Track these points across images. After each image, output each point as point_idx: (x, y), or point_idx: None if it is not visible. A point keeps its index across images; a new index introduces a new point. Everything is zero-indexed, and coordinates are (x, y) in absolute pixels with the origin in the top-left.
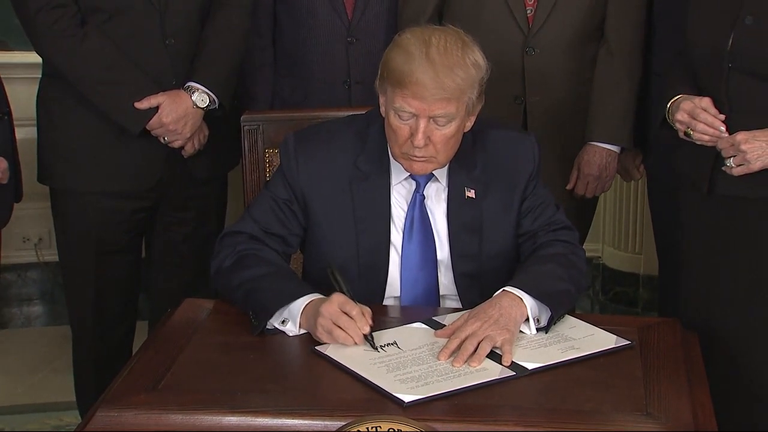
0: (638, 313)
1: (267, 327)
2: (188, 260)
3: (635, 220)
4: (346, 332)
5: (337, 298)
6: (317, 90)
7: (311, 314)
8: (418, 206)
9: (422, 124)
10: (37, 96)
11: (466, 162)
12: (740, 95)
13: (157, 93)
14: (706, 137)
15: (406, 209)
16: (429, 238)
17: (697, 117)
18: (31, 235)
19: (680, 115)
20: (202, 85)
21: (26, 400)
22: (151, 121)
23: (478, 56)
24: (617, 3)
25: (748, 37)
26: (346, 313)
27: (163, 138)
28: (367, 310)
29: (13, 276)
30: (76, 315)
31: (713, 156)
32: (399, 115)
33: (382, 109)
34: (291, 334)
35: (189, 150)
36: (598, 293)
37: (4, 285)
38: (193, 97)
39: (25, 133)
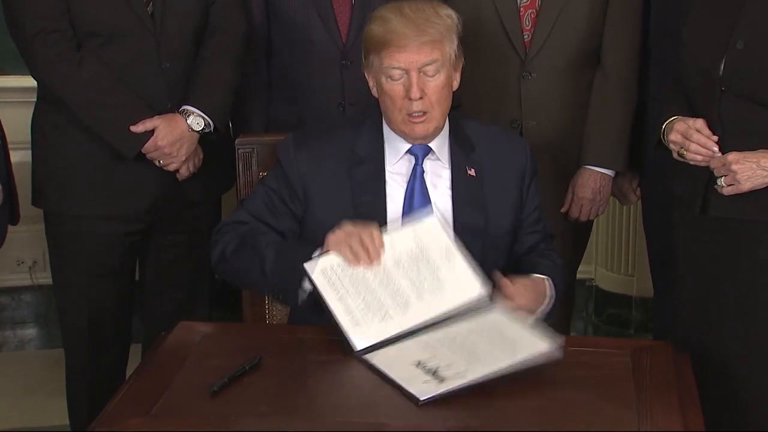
0: (631, 334)
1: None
2: (182, 282)
3: (628, 242)
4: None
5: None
6: (312, 112)
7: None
8: (418, 178)
9: (414, 77)
10: (32, 119)
11: (465, 144)
12: (732, 118)
13: (153, 116)
14: (699, 157)
15: (405, 186)
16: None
17: (691, 137)
18: (26, 258)
19: (674, 136)
20: (197, 108)
21: (20, 424)
22: (146, 145)
23: (450, 11)
24: (613, 28)
25: (739, 61)
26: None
27: (158, 161)
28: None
29: (7, 299)
30: (69, 338)
31: (706, 177)
32: (390, 76)
33: (374, 90)
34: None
35: (184, 173)
36: (591, 315)
37: None
38: (189, 121)
39: (21, 157)
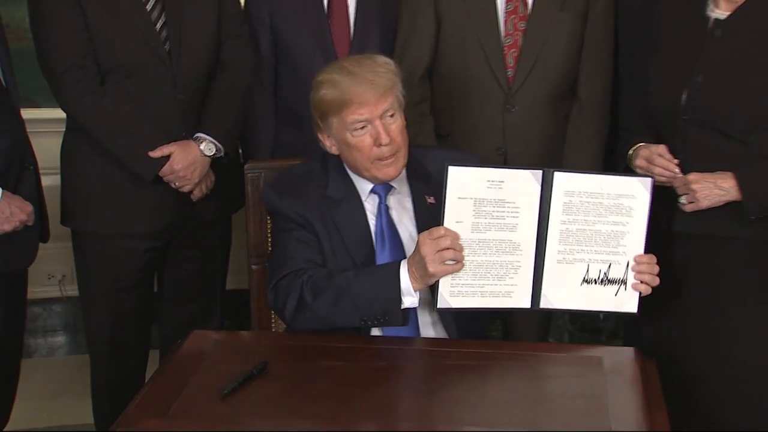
0: (603, 341)
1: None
2: (196, 294)
3: None
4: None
5: (422, 239)
6: (314, 140)
7: (416, 271)
8: (384, 216)
9: (378, 124)
10: (61, 147)
11: (421, 173)
12: (693, 144)
13: (169, 143)
14: (663, 179)
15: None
16: (398, 243)
17: (654, 162)
18: (56, 272)
19: (639, 161)
20: (209, 135)
21: (49, 423)
22: (163, 169)
23: (386, 58)
24: (588, 66)
25: (699, 93)
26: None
27: (174, 183)
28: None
29: (39, 309)
30: (93, 344)
31: (671, 197)
32: (356, 130)
33: (333, 149)
34: (414, 306)
35: (197, 194)
36: (567, 323)
37: (30, 318)
38: (201, 147)
39: (51, 181)
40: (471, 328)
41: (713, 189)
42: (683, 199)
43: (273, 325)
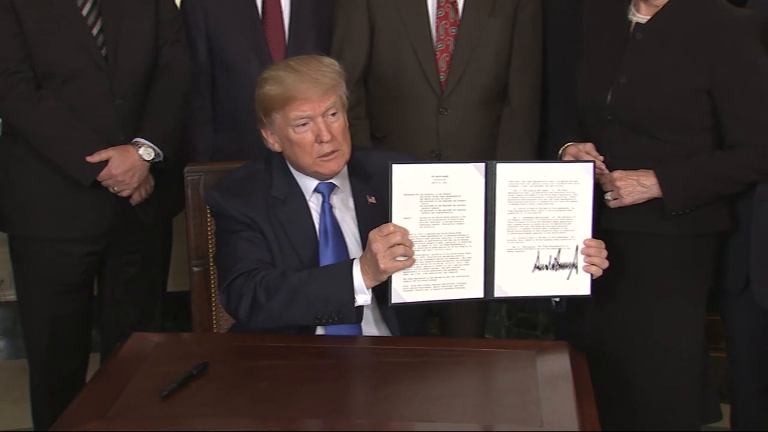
0: (537, 335)
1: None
2: (136, 297)
3: None
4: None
5: (373, 236)
6: (251, 144)
7: (368, 268)
8: (327, 214)
9: (320, 121)
10: None
11: (362, 174)
12: (617, 143)
13: (107, 148)
14: None
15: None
16: (341, 242)
17: (581, 159)
18: None
19: (567, 159)
20: (148, 140)
21: None
22: (101, 173)
23: (331, 60)
24: (518, 69)
25: (622, 94)
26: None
27: (113, 188)
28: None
29: None
30: (32, 349)
31: (598, 196)
32: (297, 126)
33: (276, 145)
34: (367, 303)
35: (136, 198)
36: (504, 319)
37: None
38: (140, 152)
39: None
40: (411, 324)
41: (636, 186)
42: (608, 196)
43: (214, 327)
